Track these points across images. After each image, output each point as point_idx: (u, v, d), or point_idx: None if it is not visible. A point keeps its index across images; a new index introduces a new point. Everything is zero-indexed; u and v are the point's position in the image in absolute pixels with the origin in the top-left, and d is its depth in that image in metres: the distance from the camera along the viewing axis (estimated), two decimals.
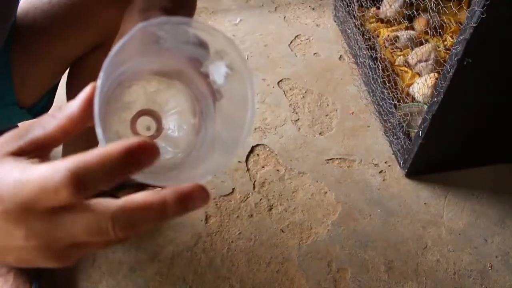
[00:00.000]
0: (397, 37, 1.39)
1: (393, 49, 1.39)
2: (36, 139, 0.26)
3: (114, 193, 1.10)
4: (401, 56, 1.38)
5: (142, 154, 0.23)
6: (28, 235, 0.25)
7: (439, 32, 1.30)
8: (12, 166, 0.25)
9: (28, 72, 0.73)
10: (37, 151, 0.26)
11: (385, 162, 1.24)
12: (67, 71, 0.83)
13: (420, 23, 1.43)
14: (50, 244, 0.25)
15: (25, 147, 0.26)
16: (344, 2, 1.51)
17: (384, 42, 1.40)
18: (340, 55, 1.53)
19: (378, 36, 1.46)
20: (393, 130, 1.23)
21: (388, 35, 1.40)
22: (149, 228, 0.24)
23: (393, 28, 1.44)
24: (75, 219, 0.24)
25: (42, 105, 0.83)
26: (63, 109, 0.27)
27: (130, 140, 0.22)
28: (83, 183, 0.22)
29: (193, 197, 0.24)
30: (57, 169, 0.23)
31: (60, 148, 0.99)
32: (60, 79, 0.85)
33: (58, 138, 0.27)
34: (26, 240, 0.25)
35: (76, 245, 0.26)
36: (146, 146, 0.23)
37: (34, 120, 0.27)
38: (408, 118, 1.21)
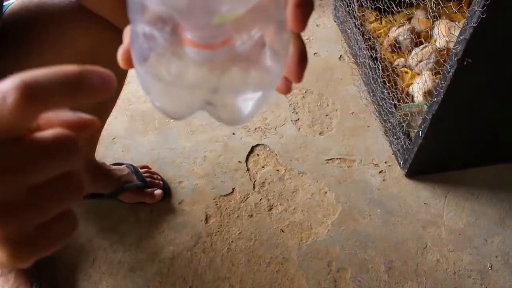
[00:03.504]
0: (398, 41, 1.39)
1: (397, 52, 1.39)
2: None
3: (114, 196, 1.10)
4: (402, 59, 1.38)
5: (96, 76, 0.22)
6: None
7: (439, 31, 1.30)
8: None
9: None
10: None
11: (385, 162, 1.24)
12: None
13: (420, 22, 1.43)
14: None
15: None
16: (344, 2, 1.51)
17: (388, 48, 1.39)
18: (340, 55, 1.53)
19: (378, 37, 1.46)
20: (393, 130, 1.23)
21: (389, 41, 1.40)
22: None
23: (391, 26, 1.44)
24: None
25: None
26: None
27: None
28: (33, 86, 0.21)
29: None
30: (2, 82, 0.21)
31: None
32: None
33: None
34: None
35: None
36: (103, 72, 0.23)
37: None
38: (408, 118, 1.21)
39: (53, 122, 0.24)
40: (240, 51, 0.25)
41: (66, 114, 0.24)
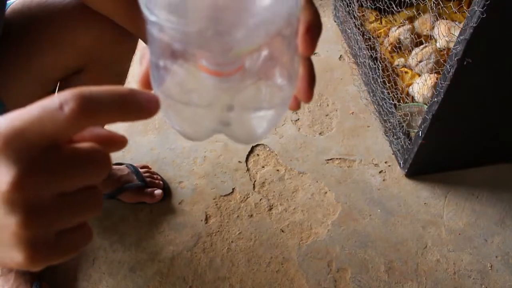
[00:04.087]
0: (399, 40, 1.38)
1: (397, 52, 1.39)
2: None
3: (114, 196, 1.10)
4: (402, 59, 1.38)
5: (143, 98, 0.24)
6: (15, 174, 0.21)
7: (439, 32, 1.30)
8: None
9: (11, 85, 0.73)
10: None
11: (385, 162, 1.24)
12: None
13: (421, 23, 1.42)
14: (38, 194, 0.22)
15: None
16: (344, 2, 1.51)
17: (388, 47, 1.39)
18: (340, 55, 1.53)
19: (378, 36, 1.46)
20: (393, 130, 1.23)
21: (391, 41, 1.40)
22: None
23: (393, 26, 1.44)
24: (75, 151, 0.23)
25: None
26: None
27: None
28: (89, 100, 0.22)
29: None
30: (61, 92, 0.22)
31: None
32: (53, 94, 0.85)
33: None
34: (12, 183, 0.21)
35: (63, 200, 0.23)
36: (152, 97, 0.24)
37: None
38: (408, 118, 1.21)
39: (86, 135, 0.25)
40: (253, 74, 0.26)
41: (99, 129, 0.26)
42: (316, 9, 0.30)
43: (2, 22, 0.68)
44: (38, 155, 0.22)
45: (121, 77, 0.87)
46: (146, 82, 0.29)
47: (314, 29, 0.28)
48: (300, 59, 0.29)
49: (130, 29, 0.72)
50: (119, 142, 0.26)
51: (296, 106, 0.32)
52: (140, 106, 0.24)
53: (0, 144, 0.21)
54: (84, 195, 0.24)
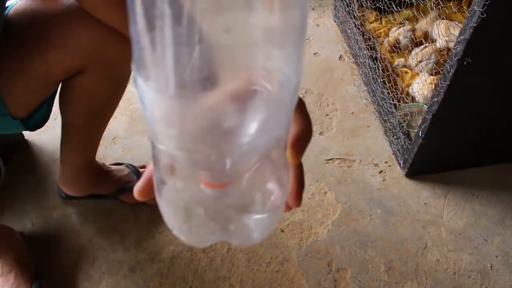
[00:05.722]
0: (398, 40, 1.39)
1: (398, 52, 1.39)
2: None
3: (115, 196, 1.10)
4: (402, 59, 1.38)
5: None
6: None
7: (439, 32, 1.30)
8: None
9: (13, 85, 0.73)
10: None
11: (385, 162, 1.24)
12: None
13: (421, 24, 1.42)
14: None
15: None
16: (344, 2, 1.51)
17: (388, 47, 1.39)
18: (340, 55, 1.53)
19: (378, 36, 1.46)
20: (393, 130, 1.23)
21: (390, 40, 1.40)
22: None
23: (393, 26, 1.44)
24: None
25: (39, 118, 0.83)
26: None
27: None
28: None
29: None
30: None
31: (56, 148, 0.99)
32: (55, 94, 0.85)
33: None
34: None
35: None
36: None
37: None
38: (408, 118, 1.21)
39: None
40: (248, 183, 0.29)
41: None
42: (307, 115, 0.32)
43: (2, 21, 0.68)
44: None
45: (122, 79, 0.87)
46: (145, 191, 0.31)
47: (301, 142, 0.30)
48: (290, 164, 0.31)
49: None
50: None
51: (286, 209, 0.34)
52: None
53: None
54: None
